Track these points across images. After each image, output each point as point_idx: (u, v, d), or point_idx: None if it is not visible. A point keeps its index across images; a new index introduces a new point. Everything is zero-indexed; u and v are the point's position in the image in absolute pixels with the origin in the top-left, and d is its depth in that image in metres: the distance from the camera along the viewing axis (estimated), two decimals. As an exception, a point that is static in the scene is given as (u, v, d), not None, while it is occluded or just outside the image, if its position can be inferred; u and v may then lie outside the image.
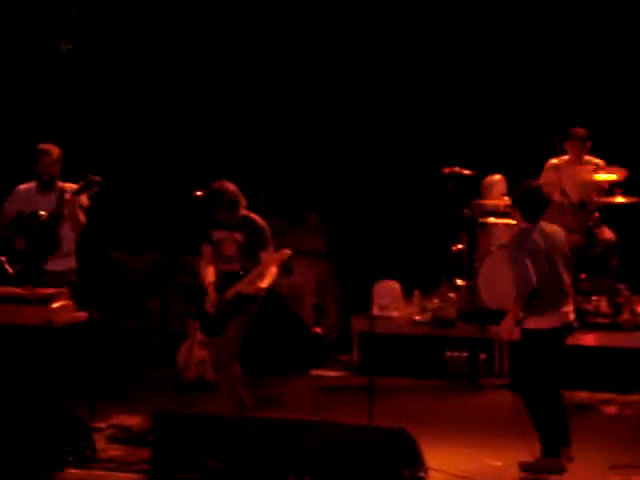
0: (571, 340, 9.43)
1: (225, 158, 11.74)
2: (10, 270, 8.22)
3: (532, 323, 7.22)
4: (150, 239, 10.57)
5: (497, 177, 10.40)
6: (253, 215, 8.18)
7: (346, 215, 10.92)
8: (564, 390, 9.05)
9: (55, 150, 8.58)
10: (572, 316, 7.40)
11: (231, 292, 7.96)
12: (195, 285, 8.63)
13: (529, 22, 11.40)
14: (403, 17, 11.65)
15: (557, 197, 9.94)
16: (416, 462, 6.88)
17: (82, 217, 8.52)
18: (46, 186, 8.57)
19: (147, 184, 11.37)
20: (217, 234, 8.11)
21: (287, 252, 7.93)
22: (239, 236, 8.02)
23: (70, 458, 7.29)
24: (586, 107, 10.92)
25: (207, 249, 8.15)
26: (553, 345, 7.27)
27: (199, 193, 8.72)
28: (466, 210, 10.36)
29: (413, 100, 11.71)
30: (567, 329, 7.37)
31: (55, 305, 8.09)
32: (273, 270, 8.00)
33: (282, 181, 11.66)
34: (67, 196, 8.42)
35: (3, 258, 8.24)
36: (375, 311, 9.85)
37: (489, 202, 10.32)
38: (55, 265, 8.54)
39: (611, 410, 8.91)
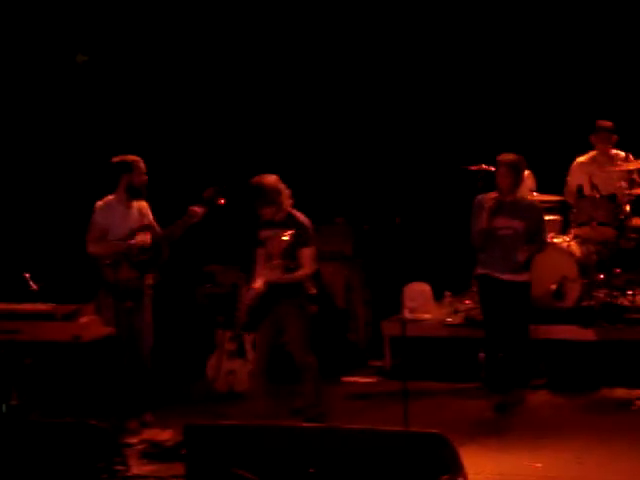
0: (609, 335, 9.42)
1: (250, 162, 11.69)
2: (34, 286, 8.13)
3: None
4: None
5: (525, 173, 10.27)
6: (299, 213, 8.14)
7: (373, 217, 10.81)
8: (603, 387, 8.99)
9: (141, 159, 8.56)
10: None
11: (259, 283, 7.91)
12: (222, 294, 8.56)
13: (555, 17, 11.33)
14: (422, 16, 11.60)
15: (587, 191, 9.85)
16: (454, 467, 6.74)
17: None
18: (138, 195, 8.48)
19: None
20: (264, 233, 8.10)
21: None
22: (286, 233, 7.94)
23: (103, 475, 7.19)
24: (612, 102, 10.86)
25: (259, 252, 8.09)
26: None
27: (222, 201, 8.62)
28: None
29: (439, 100, 11.66)
30: None
31: (82, 320, 8.01)
32: (306, 269, 7.95)
33: (308, 184, 11.59)
34: (197, 211, 8.29)
35: (27, 275, 8.14)
36: (406, 314, 9.72)
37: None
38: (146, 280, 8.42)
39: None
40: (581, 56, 11.34)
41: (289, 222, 8.01)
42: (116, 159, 8.53)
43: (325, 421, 8.00)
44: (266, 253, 8.02)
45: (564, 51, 11.39)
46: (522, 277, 8.64)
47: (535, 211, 8.76)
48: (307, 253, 8.00)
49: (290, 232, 7.89)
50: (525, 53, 11.51)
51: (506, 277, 8.60)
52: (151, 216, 8.53)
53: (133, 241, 8.32)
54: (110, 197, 8.52)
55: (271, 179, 8.08)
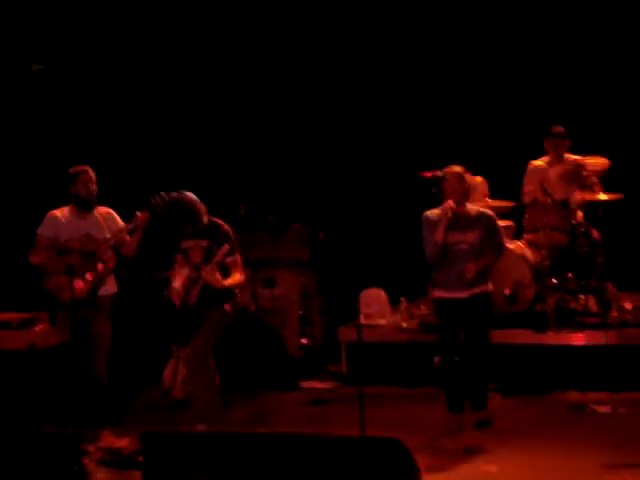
0: (561, 340, 9.53)
1: (204, 170, 11.71)
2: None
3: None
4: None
5: (478, 179, 10.38)
6: (218, 221, 8.19)
7: (329, 224, 10.85)
8: (556, 390, 9.06)
9: (91, 169, 8.44)
10: None
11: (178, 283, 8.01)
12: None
13: (504, 23, 11.43)
14: (380, 22, 11.66)
15: (540, 197, 9.95)
16: (410, 471, 6.80)
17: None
18: (87, 207, 8.39)
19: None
20: (185, 243, 8.21)
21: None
22: (204, 242, 8.02)
23: (59, 483, 7.20)
24: (563, 108, 10.95)
25: (178, 258, 8.18)
26: None
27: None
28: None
29: (392, 107, 11.72)
30: None
31: (37, 328, 8.02)
32: (238, 276, 8.00)
33: (263, 191, 11.62)
34: (139, 217, 8.28)
35: None
36: (362, 320, 9.77)
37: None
38: (101, 290, 8.37)
39: (603, 409, 8.84)
40: (533, 61, 11.44)
41: (210, 232, 8.06)
42: (70, 170, 8.47)
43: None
44: (189, 262, 8.07)
45: (515, 57, 11.49)
46: (480, 289, 8.29)
47: (486, 218, 8.37)
48: (235, 260, 8.06)
49: (207, 241, 8.00)
50: (477, 59, 11.60)
51: (464, 294, 8.25)
52: (116, 223, 8.42)
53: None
54: (64, 208, 8.49)
55: (188, 195, 8.16)
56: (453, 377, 8.31)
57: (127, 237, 8.32)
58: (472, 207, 8.44)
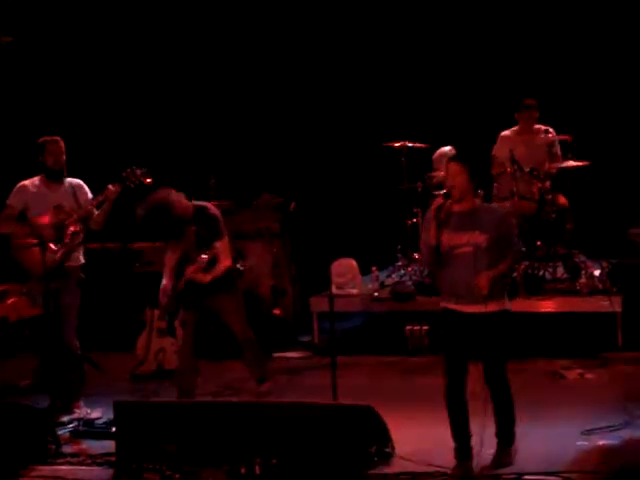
0: (530, 307, 9.62)
1: (173, 141, 11.71)
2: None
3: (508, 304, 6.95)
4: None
5: (448, 149, 10.43)
6: (206, 204, 8.17)
7: (299, 194, 10.89)
8: (525, 358, 9.14)
9: (61, 140, 8.38)
10: None
11: (181, 281, 7.99)
12: (151, 273, 8.58)
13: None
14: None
15: (509, 167, 10.03)
16: (383, 438, 6.90)
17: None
18: (57, 177, 8.33)
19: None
20: None
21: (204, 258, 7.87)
22: (193, 227, 7.98)
23: (35, 454, 7.22)
24: (534, 78, 11.03)
25: (170, 243, 8.14)
26: None
27: (149, 180, 8.54)
28: (419, 183, 10.41)
29: (363, 76, 11.74)
30: None
31: (10, 301, 8.03)
32: (223, 264, 7.99)
33: (232, 162, 11.63)
34: (110, 190, 8.24)
35: None
36: (333, 290, 9.81)
37: (441, 175, 10.34)
38: (71, 261, 8.33)
39: (572, 375, 8.95)
40: (504, 33, 11.49)
41: (198, 217, 8.01)
42: (39, 140, 8.43)
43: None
44: (180, 247, 8.03)
45: (488, 29, 11.53)
46: (496, 306, 6.76)
47: (497, 217, 6.84)
48: (221, 245, 7.97)
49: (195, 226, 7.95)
50: (451, 30, 11.62)
51: (473, 309, 6.73)
52: (86, 195, 8.37)
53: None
54: (35, 178, 8.47)
55: (164, 195, 8.00)
56: (460, 406, 6.92)
57: (95, 210, 8.31)
58: (479, 203, 7.03)
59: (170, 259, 8.08)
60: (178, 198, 7.90)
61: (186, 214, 7.90)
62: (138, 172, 8.26)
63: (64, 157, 8.37)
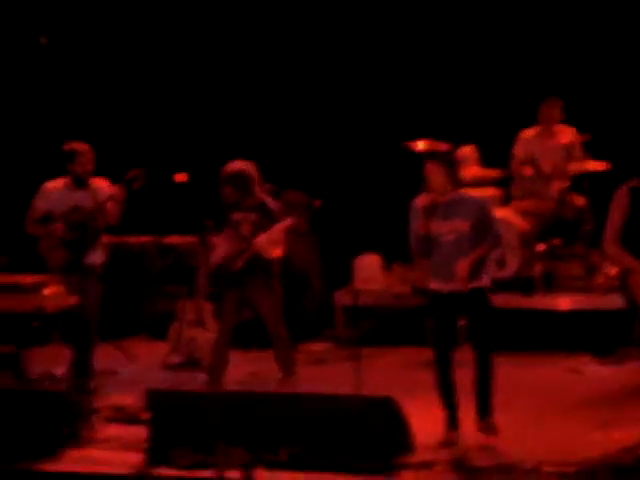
0: (548, 304, 9.82)
1: (202, 137, 11.85)
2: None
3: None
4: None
5: (469, 147, 10.58)
6: (265, 197, 8.55)
7: (325, 190, 11.04)
8: (543, 353, 9.31)
9: (89, 148, 8.62)
10: None
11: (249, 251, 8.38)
12: (186, 265, 8.83)
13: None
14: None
15: (528, 166, 10.17)
16: (403, 429, 7.09)
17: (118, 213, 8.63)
18: (82, 183, 8.58)
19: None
20: (235, 216, 8.50)
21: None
22: (254, 216, 8.37)
23: (68, 440, 7.42)
24: (558, 78, 11.01)
25: (226, 230, 8.52)
26: None
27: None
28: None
29: (389, 76, 11.80)
30: None
31: (47, 291, 8.29)
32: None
33: (260, 158, 11.76)
34: (111, 191, 8.50)
35: None
36: (357, 285, 10.02)
37: (463, 173, 10.49)
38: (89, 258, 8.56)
39: (589, 372, 9.12)
40: (529, 29, 11.45)
41: (260, 208, 8.41)
42: (65, 146, 8.63)
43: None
44: (237, 235, 8.40)
45: (512, 24, 11.47)
46: (474, 283, 7.32)
47: (477, 206, 7.39)
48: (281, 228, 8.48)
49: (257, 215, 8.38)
50: (471, 25, 11.55)
51: (453, 287, 7.30)
52: (105, 194, 8.53)
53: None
54: (59, 180, 8.70)
55: (246, 166, 8.46)
56: (449, 379, 7.47)
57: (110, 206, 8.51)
58: (460, 193, 7.44)
59: (224, 246, 8.39)
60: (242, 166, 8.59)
61: (250, 177, 8.51)
62: (139, 174, 8.48)
63: (93, 166, 8.60)
